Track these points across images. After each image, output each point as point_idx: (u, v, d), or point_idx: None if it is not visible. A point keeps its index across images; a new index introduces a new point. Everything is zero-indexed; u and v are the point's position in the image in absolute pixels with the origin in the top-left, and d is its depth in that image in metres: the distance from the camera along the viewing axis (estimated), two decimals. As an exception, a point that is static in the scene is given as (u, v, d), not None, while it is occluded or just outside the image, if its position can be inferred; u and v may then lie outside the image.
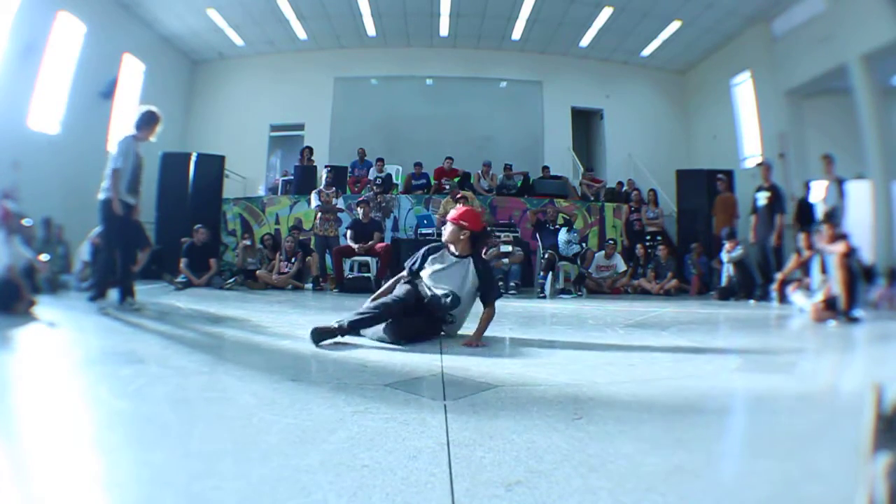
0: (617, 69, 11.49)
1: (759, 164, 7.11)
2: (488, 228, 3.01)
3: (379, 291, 3.06)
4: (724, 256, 6.81)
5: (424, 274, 2.99)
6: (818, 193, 6.78)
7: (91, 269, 5.43)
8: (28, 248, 5.12)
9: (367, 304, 2.85)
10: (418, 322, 2.85)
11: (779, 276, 5.66)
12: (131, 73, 9.47)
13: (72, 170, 7.30)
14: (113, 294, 4.13)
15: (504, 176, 9.29)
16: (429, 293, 2.92)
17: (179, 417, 1.51)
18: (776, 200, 6.50)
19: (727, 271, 6.81)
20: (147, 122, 4.15)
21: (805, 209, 6.86)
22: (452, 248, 3.00)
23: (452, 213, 3.02)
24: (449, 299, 2.89)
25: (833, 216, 5.67)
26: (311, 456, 1.19)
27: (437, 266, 2.98)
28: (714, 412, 1.73)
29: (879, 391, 0.78)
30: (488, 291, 2.96)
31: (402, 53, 11.12)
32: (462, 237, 2.96)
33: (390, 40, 10.88)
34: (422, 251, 3.08)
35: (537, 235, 7.25)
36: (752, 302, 6.14)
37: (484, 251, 2.95)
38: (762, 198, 6.58)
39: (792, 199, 8.02)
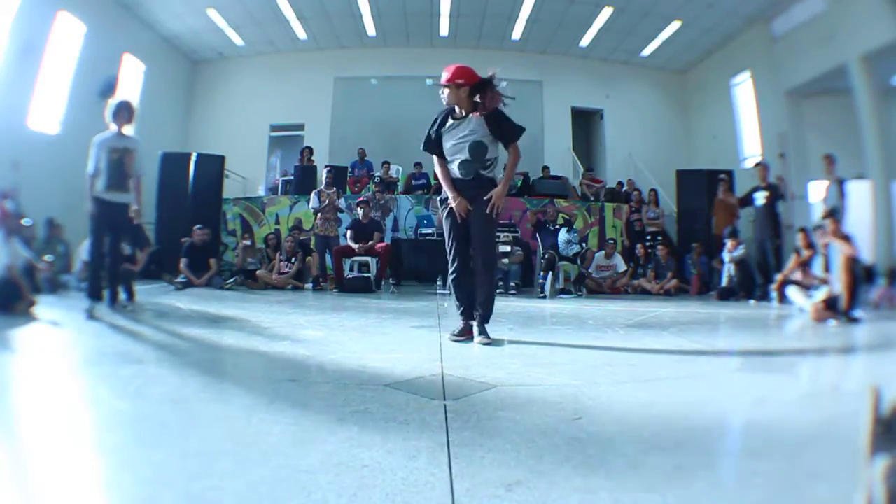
0: (617, 69, 11.48)
1: (756, 165, 7.14)
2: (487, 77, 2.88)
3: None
4: (726, 256, 6.80)
5: (447, 149, 2.94)
6: (818, 193, 6.81)
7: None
8: (27, 249, 5.13)
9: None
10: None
11: (779, 276, 5.65)
12: (131, 73, 9.47)
13: (72, 170, 7.25)
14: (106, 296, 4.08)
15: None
16: (458, 171, 2.91)
17: (179, 417, 1.51)
18: (776, 199, 6.54)
19: (728, 271, 6.80)
20: (116, 112, 3.94)
21: None
22: (457, 109, 2.94)
23: (445, 76, 2.91)
24: (474, 148, 2.87)
25: (834, 215, 5.67)
26: (311, 456, 1.19)
27: (452, 133, 2.92)
28: (714, 412, 1.73)
29: (877, 394, 0.78)
30: (507, 132, 2.95)
31: (402, 53, 11.11)
32: (462, 94, 2.89)
33: (390, 40, 10.88)
34: (431, 128, 3.01)
35: (537, 235, 7.24)
36: (752, 302, 6.13)
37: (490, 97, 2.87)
38: (760, 197, 6.60)
39: (791, 197, 8.03)
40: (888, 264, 6.09)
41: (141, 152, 4.06)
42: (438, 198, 3.14)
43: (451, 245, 2.99)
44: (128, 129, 4.04)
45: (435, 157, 3.02)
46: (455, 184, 2.93)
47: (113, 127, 3.95)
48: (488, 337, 2.84)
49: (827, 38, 7.73)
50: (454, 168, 2.95)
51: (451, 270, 2.99)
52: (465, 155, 2.89)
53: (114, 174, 3.88)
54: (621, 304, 5.66)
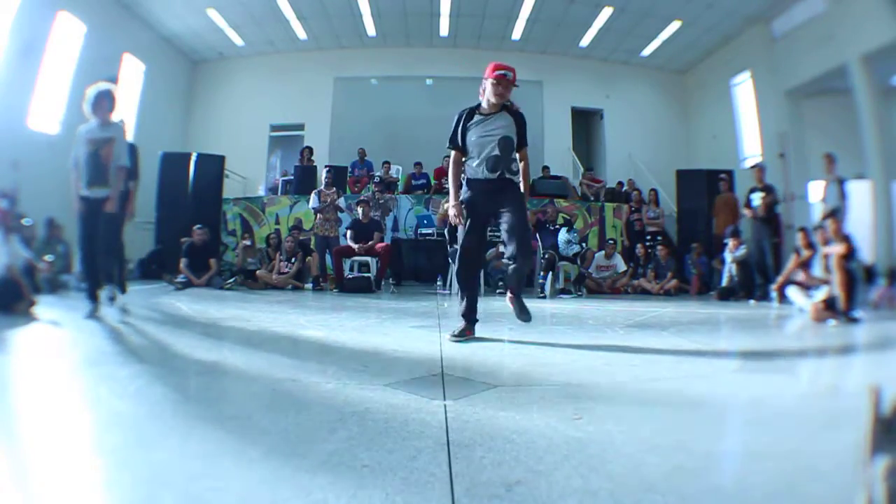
0: (617, 69, 11.48)
1: (752, 167, 7.16)
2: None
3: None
4: (728, 256, 6.80)
5: (471, 143, 2.95)
6: (818, 193, 6.82)
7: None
8: (27, 248, 5.13)
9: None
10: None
11: (779, 277, 5.65)
12: (131, 73, 9.47)
13: (72, 170, 7.28)
14: (105, 296, 4.06)
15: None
16: (484, 167, 2.93)
17: (179, 417, 1.51)
18: (773, 201, 6.56)
19: (729, 271, 6.80)
20: (95, 102, 3.62)
21: None
22: (485, 105, 2.97)
23: (510, 74, 2.96)
24: (503, 143, 2.92)
25: (835, 215, 5.68)
26: (311, 456, 1.19)
27: (480, 127, 2.95)
28: (714, 412, 1.73)
29: (877, 394, 0.78)
30: (524, 136, 3.02)
31: (402, 53, 11.10)
32: (504, 90, 2.93)
33: (390, 40, 10.87)
34: (455, 122, 3.02)
35: (537, 235, 7.24)
36: (752, 302, 6.13)
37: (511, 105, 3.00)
38: (757, 198, 6.60)
39: (790, 198, 8.03)
40: (888, 264, 6.08)
41: (120, 140, 3.69)
42: (460, 199, 3.10)
43: (469, 230, 2.99)
44: (114, 118, 3.75)
45: (452, 154, 3.03)
46: (480, 185, 2.94)
47: (94, 119, 3.65)
48: (527, 314, 2.94)
49: (827, 38, 7.73)
50: (478, 167, 2.95)
51: (462, 246, 3.00)
52: (494, 150, 2.91)
53: (91, 169, 3.61)
54: (621, 304, 5.66)
